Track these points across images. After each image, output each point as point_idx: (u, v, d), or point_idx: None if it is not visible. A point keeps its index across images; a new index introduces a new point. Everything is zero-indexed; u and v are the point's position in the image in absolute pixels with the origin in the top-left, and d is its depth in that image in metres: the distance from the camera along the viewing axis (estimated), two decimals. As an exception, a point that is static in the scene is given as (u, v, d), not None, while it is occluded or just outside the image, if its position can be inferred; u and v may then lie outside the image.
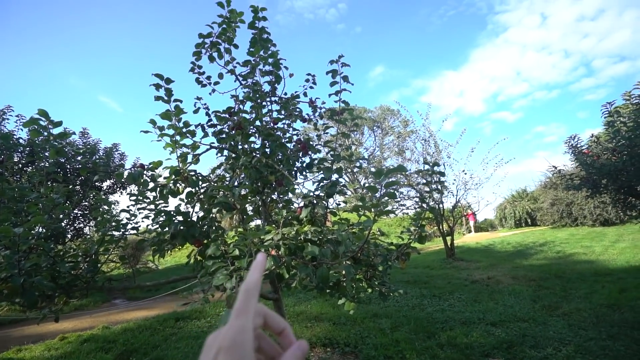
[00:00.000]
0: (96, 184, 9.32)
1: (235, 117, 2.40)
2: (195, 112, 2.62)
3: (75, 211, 9.05)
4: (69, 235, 9.09)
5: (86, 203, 9.20)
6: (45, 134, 1.89)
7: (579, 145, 5.21)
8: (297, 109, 2.57)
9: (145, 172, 2.01)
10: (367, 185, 1.42)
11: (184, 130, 2.09)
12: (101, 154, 9.87)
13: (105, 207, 2.48)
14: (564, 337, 3.50)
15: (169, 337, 4.23)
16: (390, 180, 1.30)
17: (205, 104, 2.68)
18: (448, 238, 9.87)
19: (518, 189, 20.66)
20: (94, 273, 2.13)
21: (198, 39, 2.41)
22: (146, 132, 2.04)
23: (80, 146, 9.55)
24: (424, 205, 1.90)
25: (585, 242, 10.38)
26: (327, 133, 2.64)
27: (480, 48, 55.32)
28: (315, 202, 2.06)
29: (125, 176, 1.97)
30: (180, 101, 2.13)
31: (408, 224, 1.90)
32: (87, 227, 9.62)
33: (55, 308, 2.12)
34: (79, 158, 8.65)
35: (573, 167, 6.08)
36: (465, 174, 10.11)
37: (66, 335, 4.50)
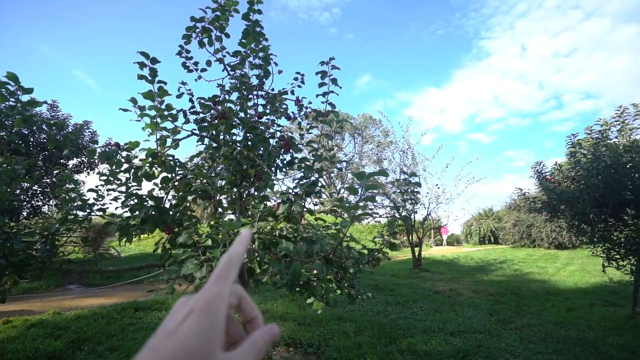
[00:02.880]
0: (61, 160, 8.75)
1: (219, 107, 2.36)
2: (179, 96, 2.55)
3: (34, 187, 8.45)
4: (25, 213, 8.47)
5: (47, 180, 8.62)
6: (12, 100, 1.77)
7: (543, 172, 5.55)
8: (284, 105, 2.56)
9: (119, 151, 1.93)
10: (347, 186, 1.45)
11: (166, 113, 2.03)
12: (70, 129, 9.30)
13: (71, 185, 2.35)
14: (514, 349, 3.71)
15: (126, 326, 4.05)
16: (371, 184, 1.33)
17: (189, 90, 2.61)
18: (416, 249, 10.16)
19: (485, 208, 21.74)
20: (52, 253, 2.01)
21: (189, 22, 2.35)
22: (125, 110, 1.96)
23: (48, 119, 8.96)
24: (397, 214, 1.96)
25: (540, 263, 11.04)
26: (310, 133, 2.66)
27: (463, 69, 57.83)
28: (293, 199, 2.06)
29: (97, 154, 1.88)
30: (165, 83, 2.07)
31: (380, 231, 1.95)
32: (46, 206, 9.02)
33: (2, 288, 1.97)
34: (45, 130, 8.09)
35: (536, 192, 6.47)
36: (439, 188, 10.48)
37: (11, 319, 4.19)
